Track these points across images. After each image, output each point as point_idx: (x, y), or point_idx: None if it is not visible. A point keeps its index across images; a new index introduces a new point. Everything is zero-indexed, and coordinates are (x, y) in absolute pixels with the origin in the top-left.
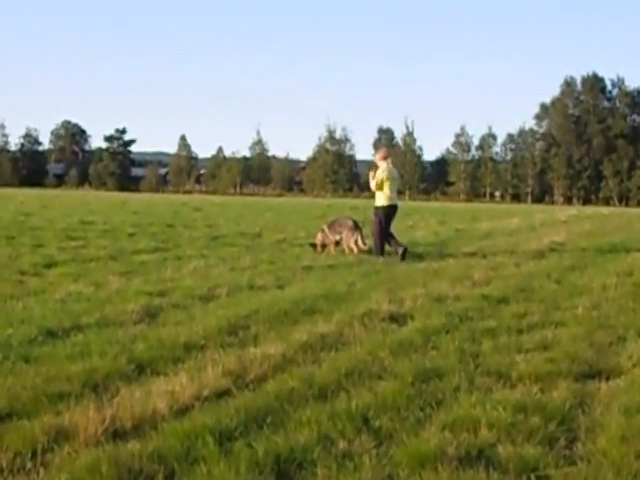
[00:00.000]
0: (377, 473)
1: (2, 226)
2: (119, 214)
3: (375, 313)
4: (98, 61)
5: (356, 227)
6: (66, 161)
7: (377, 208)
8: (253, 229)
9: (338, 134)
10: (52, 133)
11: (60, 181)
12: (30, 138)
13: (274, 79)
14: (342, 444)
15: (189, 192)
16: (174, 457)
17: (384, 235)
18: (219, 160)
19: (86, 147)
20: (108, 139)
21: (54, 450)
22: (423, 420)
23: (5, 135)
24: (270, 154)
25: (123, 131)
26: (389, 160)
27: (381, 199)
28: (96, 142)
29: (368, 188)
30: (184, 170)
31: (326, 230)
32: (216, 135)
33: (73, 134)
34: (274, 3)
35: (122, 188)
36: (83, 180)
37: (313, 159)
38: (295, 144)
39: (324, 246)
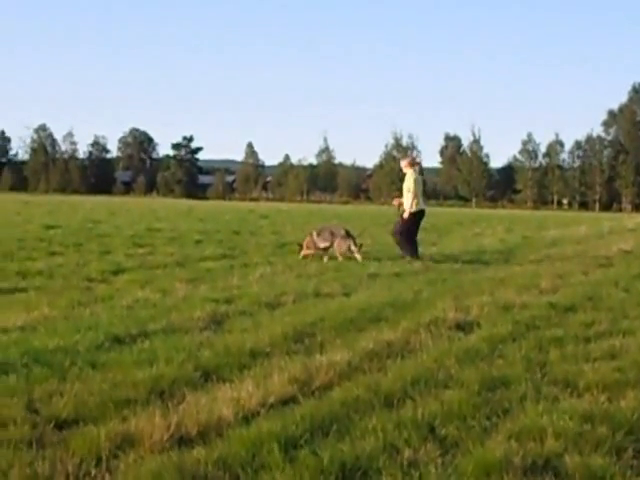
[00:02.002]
0: None
1: (71, 233)
2: (186, 221)
3: (441, 321)
4: (165, 69)
5: (348, 235)
6: (134, 169)
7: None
8: None
9: (405, 141)
10: (120, 141)
11: (128, 188)
12: (98, 146)
13: (341, 86)
14: (408, 452)
15: (256, 199)
16: (239, 464)
17: (410, 237)
18: (286, 167)
19: (153, 155)
20: (175, 147)
21: (119, 456)
22: (489, 429)
23: (74, 143)
24: (337, 161)
25: (190, 139)
26: (416, 167)
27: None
28: (163, 150)
29: (435, 195)
30: (251, 177)
31: (314, 236)
32: (283, 143)
33: (141, 142)
34: (341, 12)
35: (189, 195)
36: (150, 187)
37: (380, 166)
38: (361, 151)
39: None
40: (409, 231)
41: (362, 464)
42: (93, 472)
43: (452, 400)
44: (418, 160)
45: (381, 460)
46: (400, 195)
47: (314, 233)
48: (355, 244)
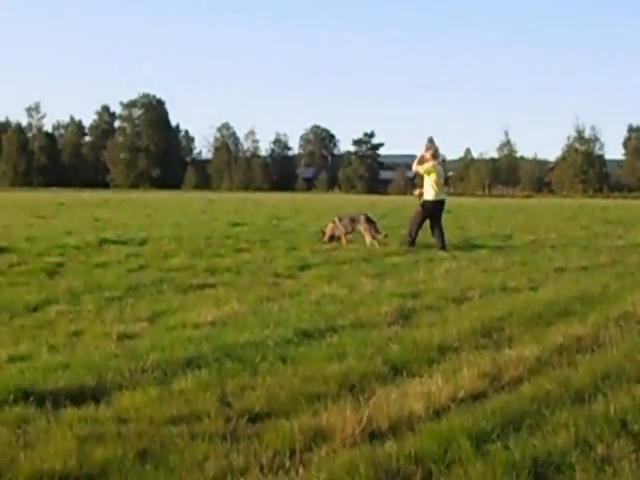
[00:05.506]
0: (637, 478)
1: (257, 230)
2: None
3: (631, 315)
4: (346, 66)
5: (369, 221)
6: (315, 165)
7: (426, 201)
8: (504, 230)
9: (587, 133)
10: (301, 138)
11: (309, 185)
12: (280, 143)
13: (521, 78)
14: (600, 448)
15: None
16: (431, 458)
17: (420, 226)
18: (467, 162)
19: (335, 151)
20: (357, 143)
21: (312, 450)
22: None
23: (256, 141)
24: (518, 155)
25: (371, 135)
26: (439, 159)
27: (430, 194)
28: (345, 146)
29: (619, 188)
30: None
31: (337, 222)
32: (463, 137)
33: (322, 138)
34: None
35: (370, 191)
36: (332, 184)
37: (562, 159)
38: (543, 144)
39: (332, 237)
40: (421, 219)
41: (554, 459)
42: (287, 464)
43: None
44: (434, 152)
45: (574, 455)
46: (421, 186)
47: (336, 220)
48: (377, 230)
